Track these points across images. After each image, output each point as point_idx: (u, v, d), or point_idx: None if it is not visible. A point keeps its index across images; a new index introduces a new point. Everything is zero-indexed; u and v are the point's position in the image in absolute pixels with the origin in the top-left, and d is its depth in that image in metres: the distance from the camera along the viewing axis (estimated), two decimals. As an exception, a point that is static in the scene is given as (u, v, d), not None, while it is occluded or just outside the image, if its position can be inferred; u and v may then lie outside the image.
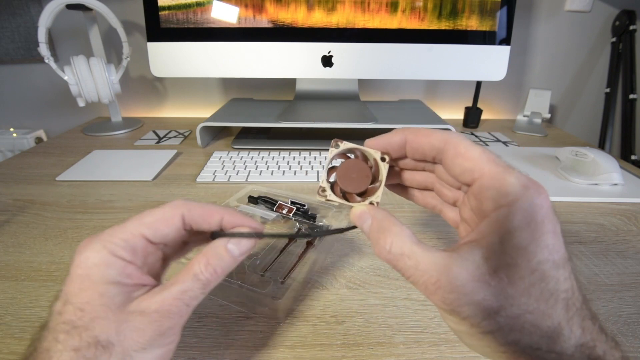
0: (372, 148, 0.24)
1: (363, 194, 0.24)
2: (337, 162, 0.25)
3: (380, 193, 0.23)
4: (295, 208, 0.46)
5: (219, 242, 0.22)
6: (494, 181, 0.19)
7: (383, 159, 0.24)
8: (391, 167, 0.24)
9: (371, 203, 0.23)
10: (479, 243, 0.18)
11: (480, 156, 0.20)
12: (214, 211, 0.23)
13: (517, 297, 0.17)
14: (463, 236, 0.22)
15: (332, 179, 0.25)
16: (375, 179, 0.24)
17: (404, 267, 0.19)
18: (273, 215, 0.47)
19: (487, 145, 0.76)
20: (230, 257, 0.22)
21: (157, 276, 0.23)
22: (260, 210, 0.48)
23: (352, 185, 0.24)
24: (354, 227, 0.23)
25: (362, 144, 0.24)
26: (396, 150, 0.24)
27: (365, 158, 0.24)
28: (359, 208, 0.22)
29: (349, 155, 0.25)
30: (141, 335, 0.19)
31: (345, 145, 0.25)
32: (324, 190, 0.24)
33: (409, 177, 0.26)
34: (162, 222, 0.22)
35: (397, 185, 0.27)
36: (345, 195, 0.24)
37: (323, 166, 0.63)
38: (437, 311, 0.33)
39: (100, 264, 0.20)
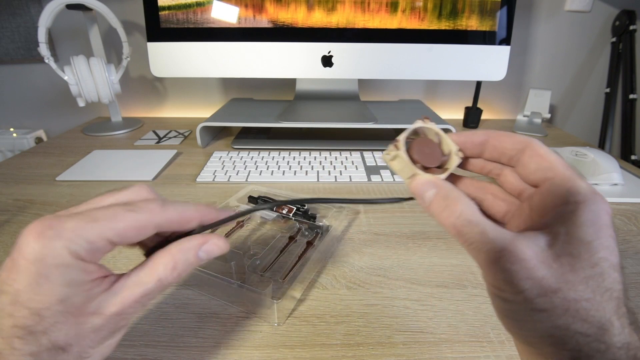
0: (458, 143, 0.24)
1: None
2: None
3: (444, 177, 0.23)
4: (295, 208, 0.46)
5: (188, 246, 0.21)
6: (566, 182, 0.20)
7: (458, 154, 0.24)
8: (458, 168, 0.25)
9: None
10: (544, 232, 0.19)
11: (557, 160, 0.21)
12: (191, 217, 0.22)
13: (576, 283, 0.17)
14: (519, 227, 0.22)
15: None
16: (442, 166, 0.24)
17: (471, 233, 0.20)
18: (273, 215, 0.47)
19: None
20: (198, 262, 0.22)
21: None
22: (260, 210, 0.48)
23: (423, 158, 0.23)
24: (412, 198, 0.23)
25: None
26: (474, 147, 0.24)
27: (440, 145, 0.25)
28: (425, 176, 0.22)
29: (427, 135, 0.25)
30: (98, 334, 0.19)
31: (431, 125, 0.25)
32: (397, 146, 0.23)
33: (475, 161, 0.25)
34: (134, 230, 0.20)
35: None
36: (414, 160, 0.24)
37: (323, 167, 0.63)
38: (437, 311, 0.33)
39: (60, 266, 0.18)
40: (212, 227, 0.23)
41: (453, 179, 0.25)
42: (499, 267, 0.18)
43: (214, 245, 0.22)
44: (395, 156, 0.23)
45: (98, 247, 0.19)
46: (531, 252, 0.18)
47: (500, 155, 0.24)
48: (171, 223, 0.22)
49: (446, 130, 0.23)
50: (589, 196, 0.19)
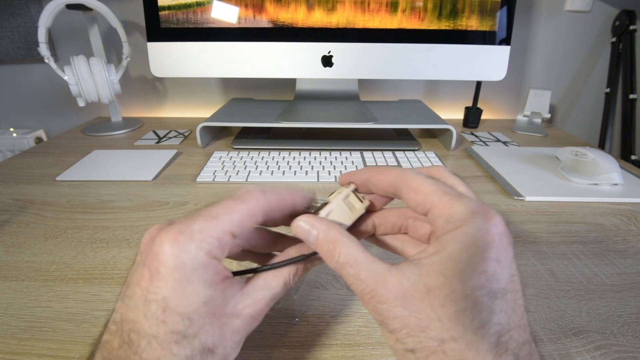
0: (344, 182, 0.25)
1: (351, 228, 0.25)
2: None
3: (350, 222, 0.24)
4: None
5: (281, 273, 0.23)
6: (443, 210, 0.19)
7: (361, 199, 0.25)
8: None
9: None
10: (421, 261, 0.19)
11: (431, 188, 0.20)
12: (287, 199, 0.24)
13: (444, 320, 0.16)
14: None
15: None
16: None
17: (347, 275, 0.20)
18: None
19: (487, 145, 0.76)
20: (310, 268, 0.24)
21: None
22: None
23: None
24: (314, 253, 0.23)
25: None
26: (362, 186, 0.25)
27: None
28: (303, 218, 0.22)
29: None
30: (237, 335, 0.20)
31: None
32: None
33: (381, 221, 0.26)
34: (249, 218, 0.21)
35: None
36: None
37: (323, 167, 0.63)
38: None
39: (198, 267, 0.19)
40: (283, 265, 0.23)
41: (371, 216, 0.26)
42: (372, 306, 0.19)
43: (301, 268, 0.24)
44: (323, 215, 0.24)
45: (225, 242, 0.20)
46: (400, 288, 0.18)
47: (386, 193, 0.24)
48: (272, 207, 0.23)
49: (400, 168, 0.23)
50: (465, 220, 0.18)
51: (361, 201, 0.25)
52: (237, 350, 0.21)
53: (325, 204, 0.24)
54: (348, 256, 0.20)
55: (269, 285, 0.22)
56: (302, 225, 0.22)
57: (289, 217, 0.24)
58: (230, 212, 0.20)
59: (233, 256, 0.25)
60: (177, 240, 0.19)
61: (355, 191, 0.25)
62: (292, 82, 0.83)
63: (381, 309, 0.18)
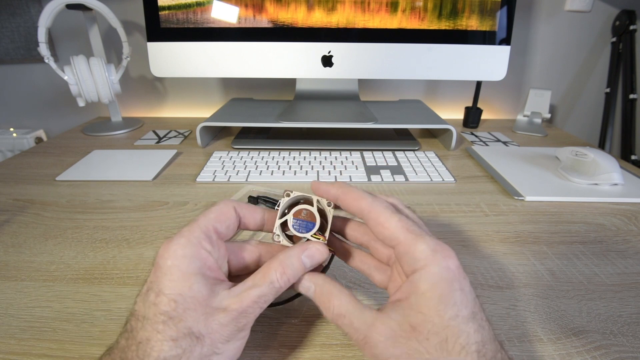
0: (317, 193, 0.27)
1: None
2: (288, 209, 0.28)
3: (327, 234, 0.27)
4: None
5: (293, 253, 0.24)
6: (407, 248, 0.22)
7: (329, 204, 0.27)
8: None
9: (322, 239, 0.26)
10: (401, 302, 0.21)
11: (397, 225, 0.23)
12: (257, 208, 0.28)
13: (431, 350, 0.19)
14: (392, 294, 0.24)
15: (283, 222, 0.27)
16: (323, 224, 0.27)
17: (342, 324, 0.22)
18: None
19: (487, 145, 0.76)
20: (303, 268, 0.25)
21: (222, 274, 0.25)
22: None
23: (301, 229, 0.27)
24: (299, 294, 0.26)
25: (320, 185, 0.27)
26: (333, 200, 0.27)
27: (311, 204, 0.27)
28: (302, 280, 0.25)
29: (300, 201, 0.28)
30: (224, 329, 0.22)
31: (295, 194, 0.28)
32: (277, 235, 0.27)
33: (351, 231, 0.29)
34: (223, 215, 0.25)
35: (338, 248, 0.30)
36: (293, 239, 0.27)
37: (323, 167, 0.63)
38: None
39: (188, 255, 0.22)
40: (279, 303, 0.28)
41: (341, 222, 0.29)
42: (367, 351, 0.21)
43: (315, 250, 0.25)
44: (279, 242, 0.27)
45: (211, 236, 0.24)
46: (389, 331, 0.20)
47: (354, 215, 0.25)
48: (242, 208, 0.27)
49: (373, 197, 0.26)
50: (428, 260, 0.21)
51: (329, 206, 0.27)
52: (231, 349, 0.23)
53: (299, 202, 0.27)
54: (341, 307, 0.23)
55: (256, 284, 0.23)
56: (302, 283, 0.25)
57: (260, 228, 0.28)
58: (206, 214, 0.25)
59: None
60: (172, 239, 0.23)
61: (329, 201, 0.27)
62: (292, 82, 0.83)
63: (376, 353, 0.21)
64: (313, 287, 0.24)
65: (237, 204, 0.27)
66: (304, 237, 0.26)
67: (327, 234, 0.27)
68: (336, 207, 0.27)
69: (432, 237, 0.22)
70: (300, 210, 0.27)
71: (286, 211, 0.27)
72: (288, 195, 0.27)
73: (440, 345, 0.19)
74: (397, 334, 0.20)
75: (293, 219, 0.27)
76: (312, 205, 0.27)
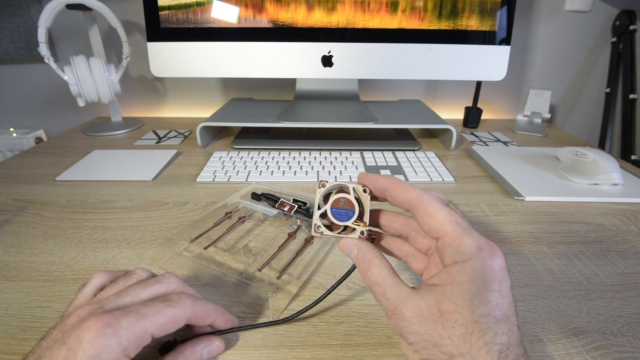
0: (364, 183, 0.27)
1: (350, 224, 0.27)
2: (326, 199, 0.28)
3: (367, 220, 0.27)
4: (296, 206, 0.46)
5: (196, 348, 0.27)
6: (453, 240, 0.22)
7: (365, 191, 0.27)
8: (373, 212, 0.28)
9: (361, 232, 0.26)
10: (436, 288, 0.22)
11: (446, 217, 0.23)
12: (210, 314, 0.27)
13: (454, 339, 0.20)
14: (425, 280, 0.25)
15: (324, 212, 0.28)
16: (361, 211, 0.27)
17: (376, 291, 0.24)
18: (274, 212, 0.47)
19: (487, 145, 0.76)
20: None
21: None
22: (262, 207, 0.48)
23: (342, 217, 0.27)
24: (353, 268, 0.27)
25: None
26: (378, 191, 0.27)
27: (347, 192, 0.28)
28: (346, 240, 0.26)
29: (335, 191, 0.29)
30: None
31: (330, 183, 0.28)
32: (319, 227, 0.27)
33: (387, 222, 0.29)
34: (172, 324, 0.24)
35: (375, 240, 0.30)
36: (332, 228, 0.27)
37: (323, 167, 0.63)
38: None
39: None
40: (225, 333, 0.29)
41: (374, 212, 0.28)
42: (393, 321, 0.22)
43: (216, 347, 0.28)
44: (322, 232, 0.27)
45: (143, 342, 0.23)
46: (418, 309, 0.21)
47: (400, 206, 0.26)
48: (197, 317, 0.26)
49: (424, 189, 0.26)
50: (472, 254, 0.21)
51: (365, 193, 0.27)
52: None
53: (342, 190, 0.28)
54: (378, 276, 0.24)
55: None
56: (346, 243, 0.26)
57: (208, 326, 0.28)
58: (157, 315, 0.23)
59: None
60: (102, 332, 0.21)
61: (364, 187, 0.27)
62: (292, 82, 0.83)
63: (401, 325, 0.22)
64: (356, 250, 0.25)
65: (195, 312, 0.26)
66: (345, 225, 0.27)
67: (366, 220, 0.27)
68: (372, 196, 0.27)
69: (479, 234, 0.22)
70: (339, 199, 0.27)
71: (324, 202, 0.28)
72: (324, 185, 0.28)
73: (463, 336, 0.20)
74: (425, 314, 0.21)
75: (332, 208, 0.27)
76: (348, 193, 0.27)
